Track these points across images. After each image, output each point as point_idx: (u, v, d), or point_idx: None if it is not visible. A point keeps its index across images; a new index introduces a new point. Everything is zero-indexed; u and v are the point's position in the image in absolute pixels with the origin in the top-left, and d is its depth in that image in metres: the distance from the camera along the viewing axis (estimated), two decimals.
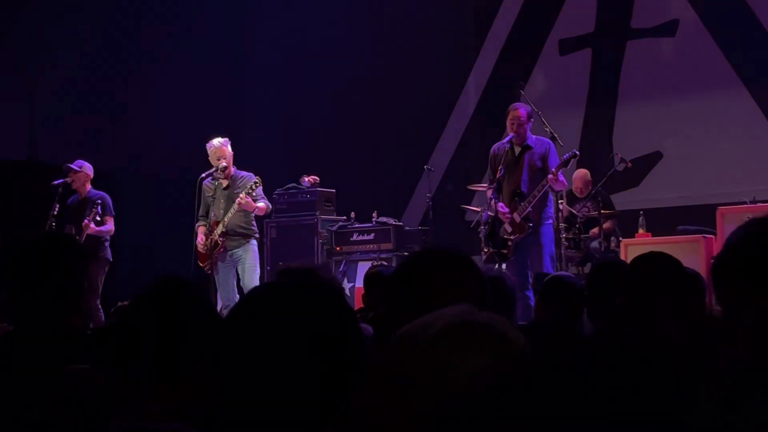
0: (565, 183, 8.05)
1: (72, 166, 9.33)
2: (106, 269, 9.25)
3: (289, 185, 11.03)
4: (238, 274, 8.74)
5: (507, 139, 8.05)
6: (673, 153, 11.28)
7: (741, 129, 10.83)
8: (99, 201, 9.19)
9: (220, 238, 8.64)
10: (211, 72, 12.65)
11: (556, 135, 8.36)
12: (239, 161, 9.06)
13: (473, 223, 9.70)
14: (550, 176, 7.73)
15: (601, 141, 11.43)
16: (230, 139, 8.87)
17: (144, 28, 11.84)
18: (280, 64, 13.21)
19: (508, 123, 8.03)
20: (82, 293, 2.76)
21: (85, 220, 9.00)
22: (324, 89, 12.96)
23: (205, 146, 8.82)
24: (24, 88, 10.60)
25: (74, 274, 2.71)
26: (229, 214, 8.59)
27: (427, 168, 10.75)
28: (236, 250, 8.70)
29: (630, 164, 9.60)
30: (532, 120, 8.11)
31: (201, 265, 8.77)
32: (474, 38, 12.66)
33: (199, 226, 8.87)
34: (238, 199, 8.48)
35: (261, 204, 8.71)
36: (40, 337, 2.60)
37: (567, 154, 7.95)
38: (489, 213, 8.44)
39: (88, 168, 9.41)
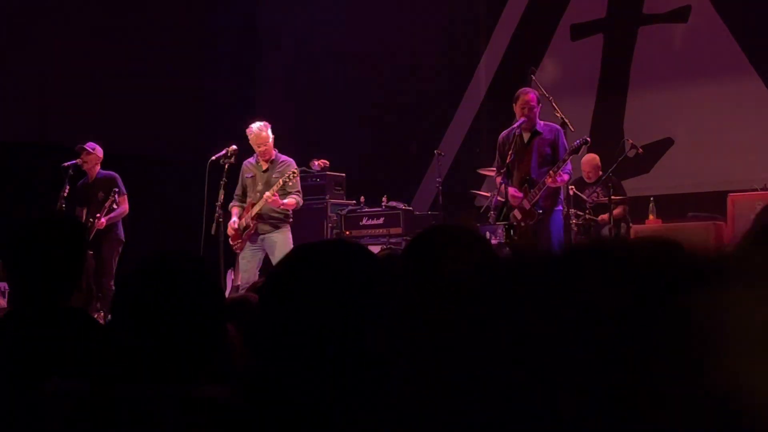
0: (566, 179, 7.99)
1: (85, 147, 9.35)
2: (120, 250, 9.27)
3: (299, 169, 11.03)
4: (265, 258, 8.59)
5: (517, 124, 8.00)
6: (685, 139, 11.25)
7: (753, 115, 10.80)
8: (116, 188, 9.19)
9: (253, 221, 8.56)
10: (223, 56, 12.63)
11: (566, 120, 8.32)
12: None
13: (483, 208, 9.69)
14: (548, 179, 7.69)
15: (612, 127, 11.40)
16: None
17: (155, 8, 11.82)
18: (293, 49, 13.19)
19: (517, 108, 7.96)
20: (83, 273, 2.78)
21: (98, 215, 9.03)
22: (334, 73, 12.94)
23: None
24: (34, 69, 10.59)
25: (74, 254, 2.74)
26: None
27: (438, 153, 10.73)
28: (270, 234, 8.55)
29: (641, 150, 9.57)
30: (541, 105, 8.07)
31: (231, 243, 8.68)
32: (485, 22, 12.62)
33: (233, 206, 8.72)
34: (266, 195, 8.40)
35: (289, 200, 8.54)
36: (38, 317, 2.62)
37: (578, 141, 7.89)
38: (498, 198, 8.43)
39: (99, 150, 9.44)
